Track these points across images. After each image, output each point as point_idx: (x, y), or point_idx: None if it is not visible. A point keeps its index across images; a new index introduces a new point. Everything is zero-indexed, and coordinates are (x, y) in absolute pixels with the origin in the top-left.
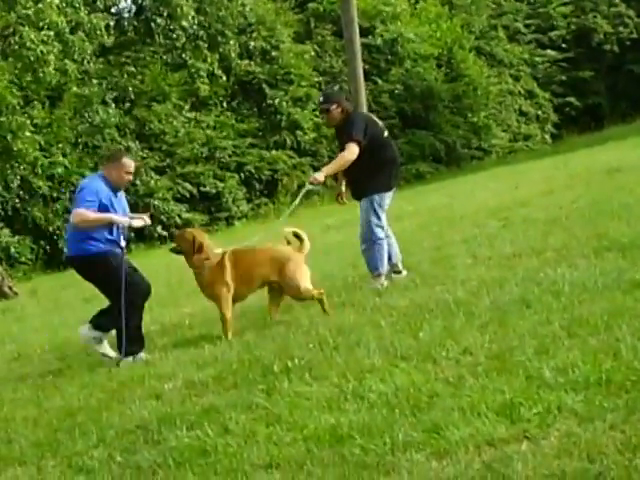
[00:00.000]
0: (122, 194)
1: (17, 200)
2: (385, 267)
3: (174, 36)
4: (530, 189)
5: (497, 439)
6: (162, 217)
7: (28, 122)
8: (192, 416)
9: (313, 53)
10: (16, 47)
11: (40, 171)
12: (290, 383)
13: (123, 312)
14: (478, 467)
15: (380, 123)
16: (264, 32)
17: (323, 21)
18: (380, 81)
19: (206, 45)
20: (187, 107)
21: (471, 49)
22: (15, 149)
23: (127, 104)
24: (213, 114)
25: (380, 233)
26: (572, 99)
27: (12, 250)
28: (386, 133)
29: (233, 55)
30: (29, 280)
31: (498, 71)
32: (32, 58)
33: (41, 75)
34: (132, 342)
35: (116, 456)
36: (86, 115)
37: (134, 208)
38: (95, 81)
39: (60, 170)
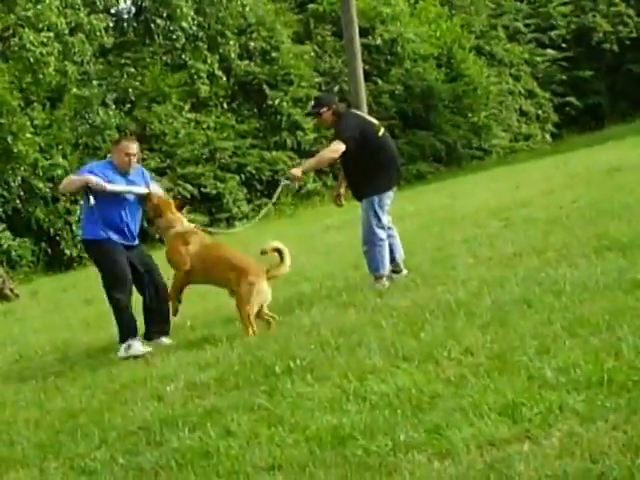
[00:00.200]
0: (139, 177)
1: (18, 201)
2: (386, 269)
3: (174, 37)
4: (531, 189)
5: (499, 439)
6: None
7: (28, 123)
8: (194, 417)
9: (313, 54)
10: (16, 48)
11: (41, 173)
12: (292, 384)
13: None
14: (480, 467)
15: (375, 122)
16: (264, 33)
17: (323, 22)
18: (380, 81)
19: (206, 46)
20: (187, 108)
21: (471, 49)
22: (15, 151)
23: (127, 105)
24: (213, 115)
25: (381, 234)
26: (572, 99)
27: (13, 253)
28: (382, 132)
29: (233, 56)
30: (30, 282)
31: (498, 71)
32: (32, 59)
33: (41, 76)
34: (123, 328)
35: (118, 458)
36: (86, 116)
37: None
38: (95, 82)
39: (60, 172)
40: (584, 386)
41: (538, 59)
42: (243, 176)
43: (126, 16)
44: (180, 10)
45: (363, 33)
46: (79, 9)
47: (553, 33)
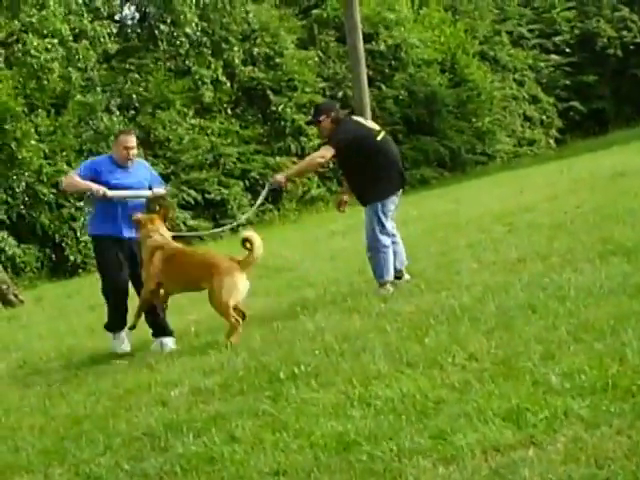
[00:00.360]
0: (140, 171)
1: (22, 207)
2: (390, 275)
3: (178, 43)
4: (535, 194)
5: (504, 445)
6: (167, 224)
7: (32, 130)
8: (199, 423)
9: (317, 59)
10: (20, 55)
11: (45, 179)
12: (296, 390)
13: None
14: (485, 473)
15: (374, 127)
16: (268, 38)
17: (327, 27)
18: (384, 87)
19: (210, 52)
20: (191, 114)
21: (475, 54)
22: (20, 157)
23: (131, 111)
24: (217, 121)
25: (385, 240)
26: (576, 104)
27: (17, 260)
28: (381, 136)
29: (237, 61)
30: (35, 288)
31: (502, 76)
32: (36, 66)
33: (45, 83)
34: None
35: (123, 464)
36: (90, 123)
37: None
38: (99, 88)
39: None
40: (589, 391)
41: (542, 64)
42: (247, 182)
43: (130, 22)
44: (184, 16)
45: (367, 39)
46: (83, 15)
47: (557, 38)
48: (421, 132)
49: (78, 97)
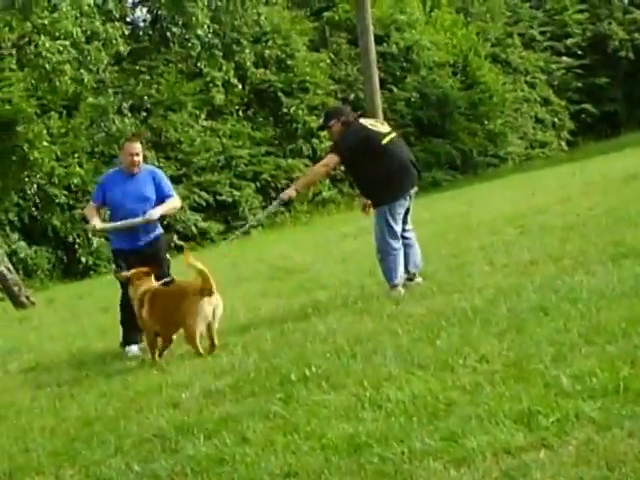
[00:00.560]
0: (142, 182)
1: (34, 209)
2: (400, 277)
3: (189, 45)
4: (547, 196)
5: (515, 447)
6: (178, 226)
7: (45, 132)
8: (210, 425)
9: (328, 61)
10: (32, 57)
11: (57, 181)
12: (308, 392)
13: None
14: (496, 475)
15: (381, 130)
16: (279, 40)
17: (338, 29)
18: (396, 89)
19: (221, 54)
20: (203, 116)
21: (487, 56)
22: (32, 159)
23: (143, 113)
24: (229, 123)
25: (395, 243)
26: (588, 106)
27: (29, 261)
28: (387, 139)
29: (248, 64)
30: (46, 289)
31: (514, 78)
32: (48, 68)
33: (57, 85)
34: (123, 334)
35: (134, 465)
36: (102, 124)
37: None
38: (111, 90)
39: (76, 180)
40: (600, 394)
41: (554, 67)
42: (259, 184)
43: (142, 24)
44: (196, 18)
45: (378, 41)
46: (95, 17)
47: (569, 41)
48: (433, 134)
49: (90, 99)
